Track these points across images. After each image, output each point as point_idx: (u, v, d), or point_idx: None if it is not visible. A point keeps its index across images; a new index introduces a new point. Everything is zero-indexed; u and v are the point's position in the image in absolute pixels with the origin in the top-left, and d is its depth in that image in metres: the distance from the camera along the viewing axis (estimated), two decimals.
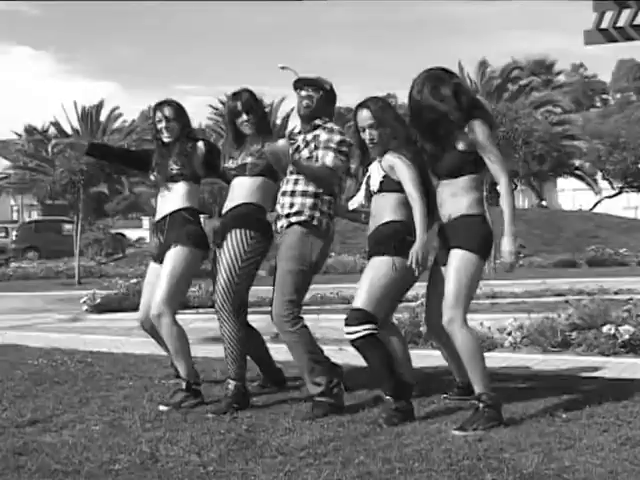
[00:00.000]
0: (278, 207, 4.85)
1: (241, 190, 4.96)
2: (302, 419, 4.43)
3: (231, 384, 4.87)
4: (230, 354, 4.85)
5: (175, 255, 4.99)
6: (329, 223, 4.84)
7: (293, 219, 4.75)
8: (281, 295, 4.68)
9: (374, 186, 4.63)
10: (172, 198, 5.13)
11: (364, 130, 4.61)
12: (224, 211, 5.04)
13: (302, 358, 4.66)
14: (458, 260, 4.32)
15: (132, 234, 34.68)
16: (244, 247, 4.82)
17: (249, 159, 4.95)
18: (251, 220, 4.88)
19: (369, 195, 4.69)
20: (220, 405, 4.82)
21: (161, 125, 5.19)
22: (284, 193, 4.84)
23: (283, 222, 4.80)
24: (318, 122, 4.87)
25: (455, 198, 4.39)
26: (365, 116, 4.61)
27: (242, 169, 4.96)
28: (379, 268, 4.50)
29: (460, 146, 4.39)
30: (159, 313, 4.95)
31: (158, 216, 5.18)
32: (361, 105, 4.66)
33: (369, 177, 4.71)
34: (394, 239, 4.50)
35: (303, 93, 4.90)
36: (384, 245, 4.52)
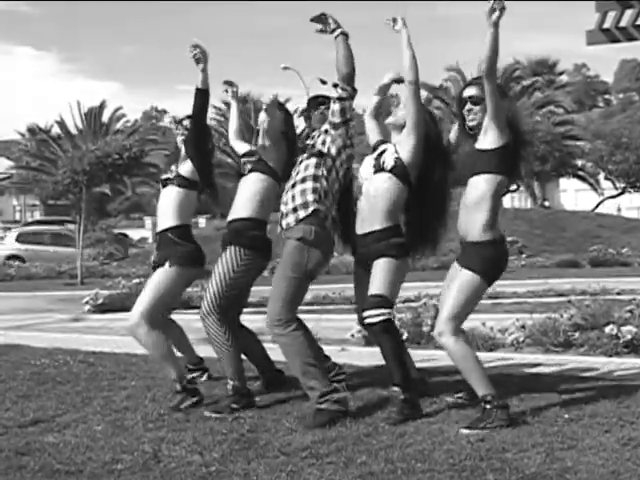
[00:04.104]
0: (282, 206, 4.86)
1: (245, 194, 5.14)
2: (304, 428, 4.35)
3: (229, 384, 4.92)
4: (222, 355, 4.95)
5: (162, 272, 5.12)
6: (329, 213, 4.80)
7: (301, 214, 4.72)
8: (274, 301, 4.68)
9: (389, 161, 4.71)
10: (164, 212, 5.26)
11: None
12: (229, 217, 5.18)
13: (295, 362, 4.63)
14: (463, 279, 4.41)
15: (134, 234, 34.67)
16: (237, 263, 4.98)
17: (247, 160, 5.28)
18: (247, 238, 5.02)
19: (375, 170, 4.78)
20: (219, 405, 4.84)
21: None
22: (286, 191, 4.88)
23: (290, 219, 4.76)
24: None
25: (471, 215, 4.43)
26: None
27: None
28: (390, 266, 4.63)
29: (481, 145, 4.44)
30: (136, 324, 5.02)
31: (157, 228, 5.35)
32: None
33: (383, 151, 4.80)
34: (389, 247, 4.65)
35: (316, 113, 5.11)
36: (382, 252, 4.65)
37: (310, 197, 4.73)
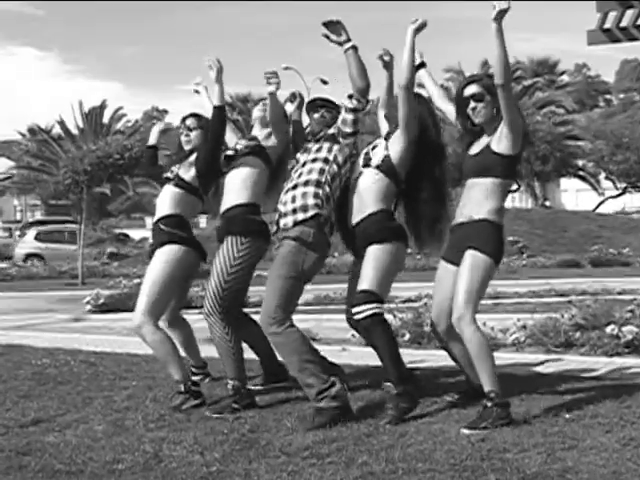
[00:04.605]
0: (280, 206, 4.84)
1: (235, 181, 5.07)
2: (305, 429, 4.28)
3: (229, 384, 4.91)
4: (224, 355, 4.92)
5: (154, 264, 5.09)
6: (329, 218, 4.79)
7: (300, 216, 4.70)
8: (269, 300, 4.64)
9: (376, 158, 4.71)
10: (160, 203, 5.26)
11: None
12: (222, 207, 5.12)
13: (291, 360, 4.60)
14: (473, 260, 4.39)
15: (135, 234, 34.68)
16: (234, 253, 4.92)
17: (243, 142, 5.21)
18: (242, 224, 4.98)
19: (365, 165, 4.78)
20: (220, 405, 4.84)
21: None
22: (286, 191, 4.85)
23: (288, 220, 4.74)
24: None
25: (479, 201, 4.45)
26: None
27: (237, 154, 5.15)
28: (378, 255, 4.62)
29: (495, 147, 4.43)
30: (139, 324, 5.01)
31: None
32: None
33: (374, 147, 4.80)
34: (383, 228, 4.65)
35: (316, 116, 5.05)
36: (375, 236, 4.64)
37: (311, 201, 4.71)
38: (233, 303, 4.96)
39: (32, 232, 28.40)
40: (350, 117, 4.79)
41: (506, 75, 4.26)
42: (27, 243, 27.56)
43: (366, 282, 4.59)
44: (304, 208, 4.70)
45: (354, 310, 4.60)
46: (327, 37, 4.72)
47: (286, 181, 4.95)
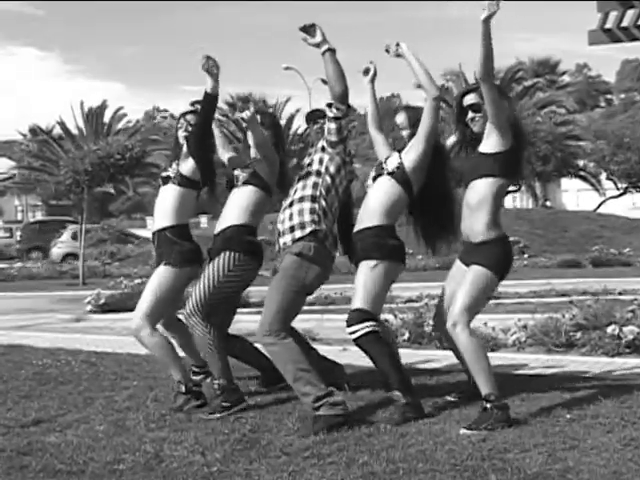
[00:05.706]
0: (279, 225, 4.85)
1: (233, 204, 5.14)
2: (302, 436, 4.21)
3: (215, 383, 4.93)
4: (208, 355, 4.94)
5: (162, 273, 5.10)
6: (329, 232, 4.79)
7: (297, 234, 4.70)
8: (267, 312, 4.63)
9: (390, 166, 4.73)
10: (162, 211, 5.21)
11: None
12: (217, 229, 5.16)
13: (286, 369, 4.57)
14: (475, 274, 4.42)
15: (137, 234, 34.66)
16: (229, 267, 4.95)
17: (240, 173, 5.20)
18: (242, 242, 5.02)
19: (377, 175, 4.81)
20: (212, 406, 4.85)
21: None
22: (284, 209, 4.86)
23: (286, 239, 4.74)
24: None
25: (473, 216, 4.45)
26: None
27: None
28: (369, 273, 4.63)
29: (484, 148, 4.45)
30: (138, 327, 5.03)
31: (153, 227, 5.28)
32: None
33: (387, 158, 4.82)
34: (379, 245, 4.65)
35: (315, 127, 5.09)
36: (369, 252, 4.65)
37: (307, 217, 4.72)
38: (215, 310, 4.96)
39: (68, 232, 28.87)
40: (333, 126, 4.78)
41: (490, 69, 4.29)
42: (65, 243, 28.21)
43: (359, 301, 4.62)
44: (302, 225, 4.71)
45: (349, 330, 4.62)
46: (305, 40, 4.69)
47: (284, 199, 4.97)
